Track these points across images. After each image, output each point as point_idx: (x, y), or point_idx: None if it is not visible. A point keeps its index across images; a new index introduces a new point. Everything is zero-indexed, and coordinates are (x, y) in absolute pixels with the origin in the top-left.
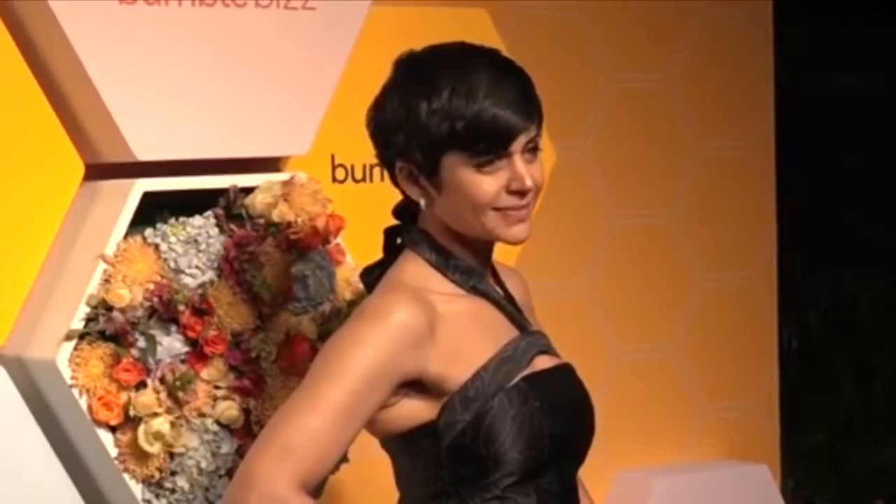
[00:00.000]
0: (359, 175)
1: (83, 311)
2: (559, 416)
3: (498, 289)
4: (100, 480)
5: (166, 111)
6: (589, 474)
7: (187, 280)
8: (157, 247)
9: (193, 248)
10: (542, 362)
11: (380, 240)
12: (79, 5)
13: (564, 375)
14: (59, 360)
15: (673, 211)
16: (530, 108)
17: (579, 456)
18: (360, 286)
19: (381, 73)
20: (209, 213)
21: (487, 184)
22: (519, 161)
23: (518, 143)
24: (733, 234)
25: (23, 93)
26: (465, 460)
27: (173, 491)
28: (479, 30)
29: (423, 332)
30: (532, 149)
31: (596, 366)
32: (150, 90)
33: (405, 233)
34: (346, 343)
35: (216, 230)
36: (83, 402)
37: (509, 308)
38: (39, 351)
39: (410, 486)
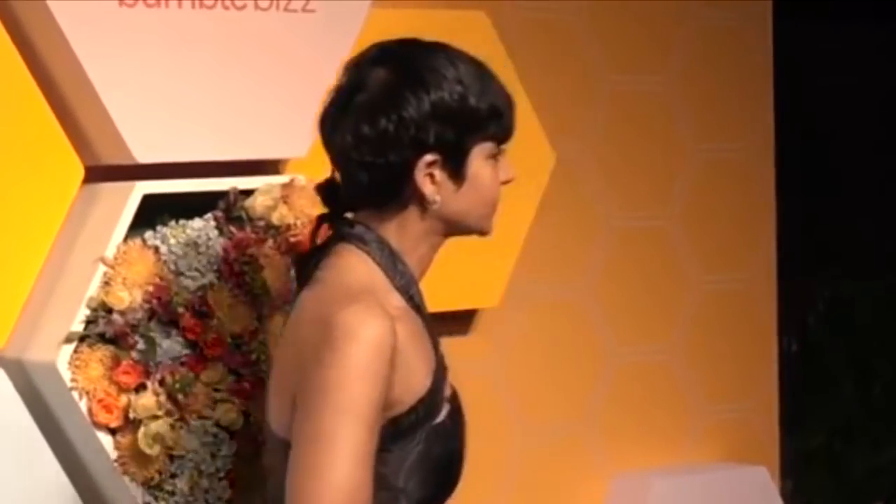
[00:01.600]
0: None
1: (83, 313)
2: (465, 448)
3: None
4: (100, 483)
5: (166, 113)
6: (587, 476)
7: (187, 282)
8: (156, 249)
9: (193, 250)
10: (448, 387)
11: None
12: (78, 7)
13: (459, 399)
14: (59, 363)
15: (672, 213)
16: None
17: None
18: None
19: None
20: (209, 215)
21: (495, 176)
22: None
23: None
24: (732, 235)
25: (22, 95)
26: (378, 489)
27: (173, 493)
28: (478, 32)
29: (393, 348)
30: None
31: (594, 367)
32: (150, 92)
33: (346, 225)
34: (338, 375)
35: (216, 232)
36: (83, 405)
37: (431, 323)
38: (39, 353)
39: None
